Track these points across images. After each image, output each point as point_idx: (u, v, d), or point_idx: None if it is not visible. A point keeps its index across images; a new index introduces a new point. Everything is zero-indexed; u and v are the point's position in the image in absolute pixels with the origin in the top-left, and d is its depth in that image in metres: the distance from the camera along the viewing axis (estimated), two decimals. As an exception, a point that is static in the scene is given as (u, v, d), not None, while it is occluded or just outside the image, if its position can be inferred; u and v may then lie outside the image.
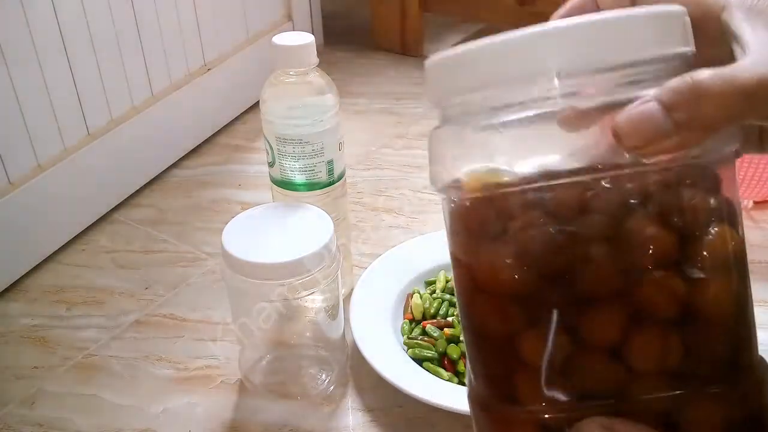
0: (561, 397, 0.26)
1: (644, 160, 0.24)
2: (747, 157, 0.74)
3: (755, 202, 0.80)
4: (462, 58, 0.26)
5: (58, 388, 0.63)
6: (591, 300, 0.25)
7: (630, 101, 0.24)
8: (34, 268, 0.77)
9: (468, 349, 0.29)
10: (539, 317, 0.25)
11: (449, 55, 0.26)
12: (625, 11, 0.25)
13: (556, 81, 0.24)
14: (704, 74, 0.23)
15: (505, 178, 0.25)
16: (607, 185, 0.25)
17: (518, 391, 0.26)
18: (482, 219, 0.27)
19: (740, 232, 0.27)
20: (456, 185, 0.27)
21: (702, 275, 0.25)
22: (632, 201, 0.25)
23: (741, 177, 0.75)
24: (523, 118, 0.25)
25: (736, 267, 0.26)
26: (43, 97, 0.75)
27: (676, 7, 0.26)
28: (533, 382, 0.26)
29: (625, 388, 0.25)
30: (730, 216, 0.26)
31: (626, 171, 0.25)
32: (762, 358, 0.27)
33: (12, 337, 0.69)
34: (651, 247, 0.25)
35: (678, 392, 0.25)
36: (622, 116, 0.23)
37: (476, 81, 0.26)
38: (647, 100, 0.23)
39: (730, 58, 0.25)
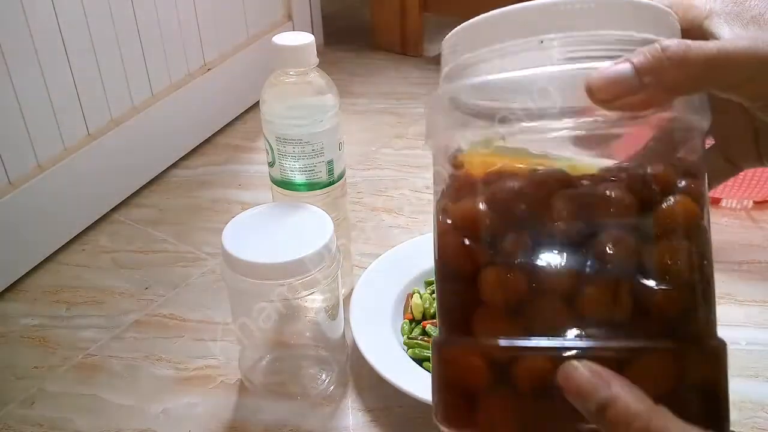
0: (513, 334, 0.27)
1: (608, 113, 0.27)
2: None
3: (755, 202, 0.80)
4: (478, 23, 0.29)
5: (58, 388, 0.63)
6: (549, 246, 0.27)
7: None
8: (34, 268, 0.77)
9: (437, 295, 0.31)
10: (501, 257, 0.27)
11: (467, 24, 0.30)
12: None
13: (555, 49, 0.27)
14: (672, 42, 0.26)
15: (499, 144, 0.28)
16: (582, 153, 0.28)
17: (474, 324, 0.28)
18: (467, 179, 0.30)
19: (703, 209, 0.28)
20: (455, 155, 0.30)
21: (654, 237, 0.27)
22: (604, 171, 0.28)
23: (741, 177, 0.75)
24: (520, 78, 0.28)
25: (692, 237, 0.28)
26: (43, 97, 0.75)
27: (664, 7, 0.29)
28: (489, 317, 0.28)
29: (575, 335, 0.26)
30: (692, 191, 0.28)
31: (597, 123, 0.27)
32: (722, 339, 0.28)
33: (12, 337, 0.69)
34: (611, 205, 0.27)
35: (627, 345, 0.26)
36: (597, 73, 0.26)
37: (489, 38, 0.28)
38: (620, 61, 0.26)
39: None
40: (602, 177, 0.28)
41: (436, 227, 0.31)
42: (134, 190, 0.90)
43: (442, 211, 0.30)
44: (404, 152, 0.98)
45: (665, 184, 0.28)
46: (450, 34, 0.31)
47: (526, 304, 0.27)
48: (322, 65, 0.61)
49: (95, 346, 0.68)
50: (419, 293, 0.67)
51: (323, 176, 0.63)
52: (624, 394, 0.25)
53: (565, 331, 0.26)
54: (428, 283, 0.69)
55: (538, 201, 0.28)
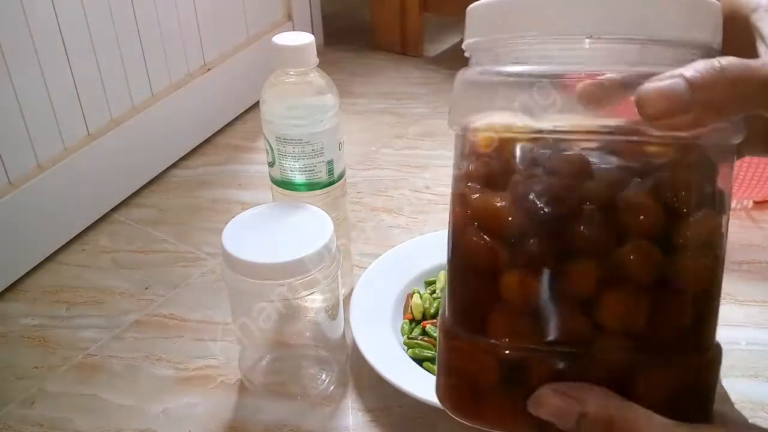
0: (527, 336, 0.27)
1: (656, 131, 0.26)
2: (747, 158, 0.74)
3: (755, 202, 0.80)
4: (506, 4, 0.28)
5: (58, 388, 0.63)
6: (573, 253, 0.26)
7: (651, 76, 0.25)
8: (34, 268, 0.77)
9: (449, 282, 0.30)
10: (523, 260, 0.27)
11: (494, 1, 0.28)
12: None
13: (586, 41, 0.26)
14: (729, 60, 0.25)
15: (518, 127, 0.27)
16: (611, 157, 0.27)
17: (488, 324, 0.28)
18: (490, 167, 0.28)
19: (725, 224, 0.28)
20: (473, 131, 0.29)
21: (681, 251, 0.27)
22: (631, 173, 0.27)
23: (741, 177, 0.75)
24: (547, 72, 0.27)
25: (714, 252, 0.28)
26: (43, 97, 0.75)
27: (713, 1, 0.27)
28: (504, 318, 0.28)
29: (588, 342, 0.27)
30: (719, 206, 0.28)
31: (635, 138, 0.26)
32: (718, 343, 0.29)
33: (12, 337, 0.69)
34: (639, 214, 0.26)
35: (636, 354, 0.27)
36: (649, 85, 0.25)
37: (515, 25, 0.27)
38: (673, 75, 0.25)
39: (752, 56, 0.26)
40: (627, 175, 0.27)
41: (453, 218, 0.30)
42: (134, 190, 0.90)
43: (460, 200, 0.29)
44: (404, 152, 0.98)
45: (693, 194, 0.27)
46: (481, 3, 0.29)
47: (545, 308, 0.27)
48: (322, 65, 0.61)
49: (95, 346, 0.68)
50: (419, 293, 0.67)
51: (323, 176, 0.63)
52: (592, 407, 0.26)
53: (582, 338, 0.27)
54: (428, 283, 0.69)
55: (563, 203, 0.27)
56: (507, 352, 0.27)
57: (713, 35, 0.27)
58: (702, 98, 0.24)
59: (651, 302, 0.26)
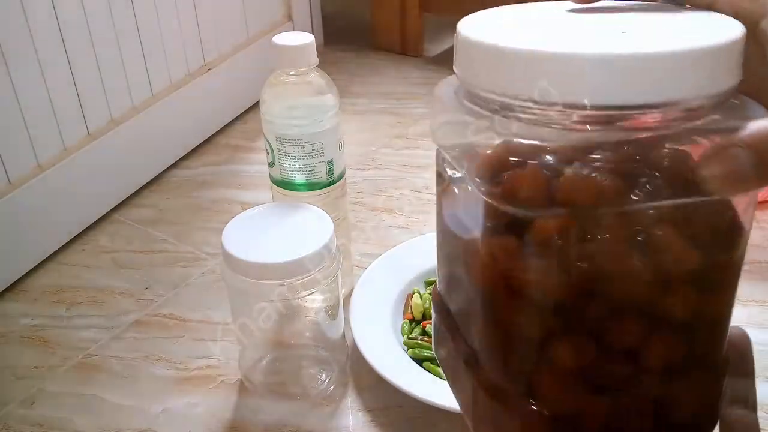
0: (578, 392, 0.27)
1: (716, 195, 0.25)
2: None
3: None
4: (500, 55, 0.25)
5: (58, 388, 0.63)
6: (621, 309, 0.27)
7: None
8: (34, 268, 0.77)
9: (486, 340, 0.29)
10: (577, 326, 0.27)
11: (487, 43, 0.25)
12: (674, 40, 0.24)
13: (585, 109, 0.24)
14: None
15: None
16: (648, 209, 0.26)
17: (539, 386, 0.28)
18: (542, 239, 0.26)
19: (744, 256, 0.29)
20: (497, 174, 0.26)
21: (713, 291, 0.28)
22: (664, 218, 0.26)
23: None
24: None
25: (736, 285, 0.29)
26: (43, 97, 0.75)
27: (734, 31, 0.25)
28: (555, 380, 0.27)
29: (632, 382, 0.27)
30: (743, 242, 0.28)
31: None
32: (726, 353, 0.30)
33: (12, 337, 0.69)
34: (683, 266, 0.26)
35: (670, 381, 0.28)
36: (710, 158, 0.24)
37: (505, 84, 0.25)
38: (733, 144, 0.24)
39: (762, 65, 0.26)
40: (661, 214, 0.26)
41: (486, 279, 0.28)
42: (134, 190, 0.90)
43: (492, 262, 0.27)
44: (404, 152, 0.98)
45: (726, 236, 0.27)
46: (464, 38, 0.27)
47: (593, 363, 0.27)
48: (322, 65, 0.61)
49: (95, 346, 0.68)
50: (419, 293, 0.67)
51: (323, 176, 0.63)
52: None
53: (627, 382, 0.27)
54: (428, 283, 0.69)
55: (615, 264, 0.26)
56: (558, 410, 0.28)
57: (735, 75, 0.25)
58: (764, 161, 0.24)
59: (686, 337, 0.27)
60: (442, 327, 0.33)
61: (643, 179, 0.24)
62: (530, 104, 0.24)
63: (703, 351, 0.28)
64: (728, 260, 0.27)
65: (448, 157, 0.30)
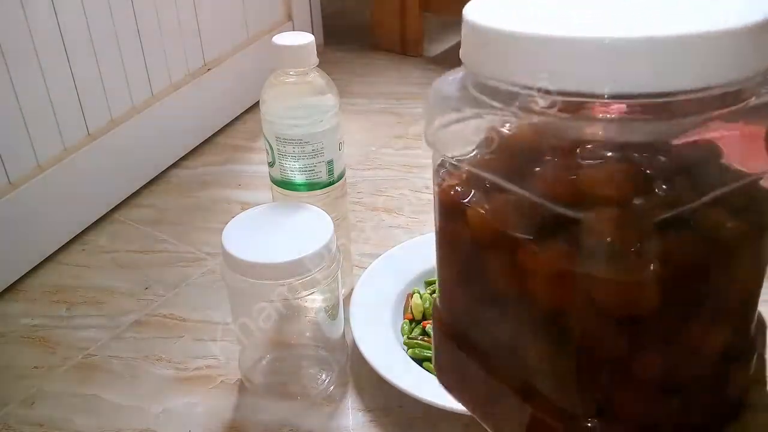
0: (658, 400, 0.27)
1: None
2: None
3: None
4: (519, 41, 0.23)
5: (58, 388, 0.63)
6: (697, 308, 0.26)
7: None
8: (34, 268, 0.77)
9: (551, 365, 0.27)
10: (654, 333, 0.26)
11: (502, 29, 0.24)
12: (709, 20, 0.22)
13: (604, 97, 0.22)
14: None
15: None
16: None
17: (621, 403, 0.27)
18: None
19: None
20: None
21: (758, 265, 0.28)
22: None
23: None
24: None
25: None
26: (43, 97, 0.75)
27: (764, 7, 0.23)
28: (637, 393, 0.27)
29: (699, 377, 0.28)
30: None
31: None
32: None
33: (12, 337, 0.69)
34: (736, 241, 0.26)
35: (728, 366, 0.28)
36: None
37: (522, 69, 0.24)
38: None
39: None
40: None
41: (560, 298, 0.25)
42: (134, 190, 0.90)
43: (574, 278, 0.25)
44: (404, 152, 0.98)
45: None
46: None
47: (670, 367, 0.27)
48: (322, 65, 0.61)
49: (95, 346, 0.68)
50: (419, 293, 0.67)
51: (323, 176, 0.63)
52: None
53: (698, 377, 0.28)
54: (428, 283, 0.69)
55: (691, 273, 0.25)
56: (637, 420, 0.27)
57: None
58: None
59: (739, 317, 0.29)
60: (458, 357, 0.31)
61: (701, 173, 0.24)
62: (574, 97, 0.23)
63: (745, 329, 0.29)
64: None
65: (453, 161, 0.28)
